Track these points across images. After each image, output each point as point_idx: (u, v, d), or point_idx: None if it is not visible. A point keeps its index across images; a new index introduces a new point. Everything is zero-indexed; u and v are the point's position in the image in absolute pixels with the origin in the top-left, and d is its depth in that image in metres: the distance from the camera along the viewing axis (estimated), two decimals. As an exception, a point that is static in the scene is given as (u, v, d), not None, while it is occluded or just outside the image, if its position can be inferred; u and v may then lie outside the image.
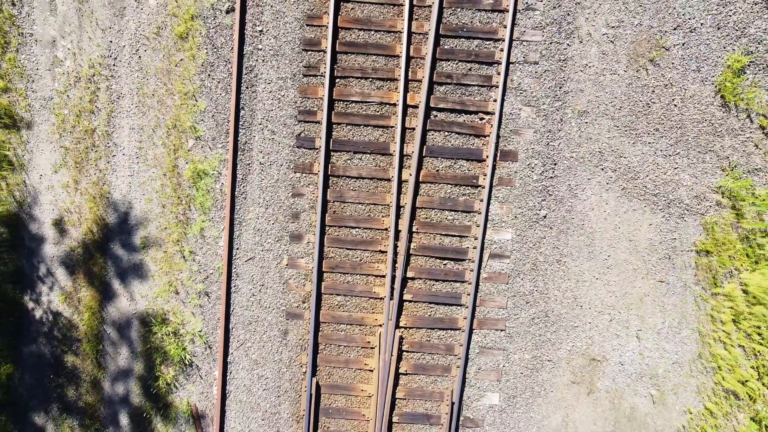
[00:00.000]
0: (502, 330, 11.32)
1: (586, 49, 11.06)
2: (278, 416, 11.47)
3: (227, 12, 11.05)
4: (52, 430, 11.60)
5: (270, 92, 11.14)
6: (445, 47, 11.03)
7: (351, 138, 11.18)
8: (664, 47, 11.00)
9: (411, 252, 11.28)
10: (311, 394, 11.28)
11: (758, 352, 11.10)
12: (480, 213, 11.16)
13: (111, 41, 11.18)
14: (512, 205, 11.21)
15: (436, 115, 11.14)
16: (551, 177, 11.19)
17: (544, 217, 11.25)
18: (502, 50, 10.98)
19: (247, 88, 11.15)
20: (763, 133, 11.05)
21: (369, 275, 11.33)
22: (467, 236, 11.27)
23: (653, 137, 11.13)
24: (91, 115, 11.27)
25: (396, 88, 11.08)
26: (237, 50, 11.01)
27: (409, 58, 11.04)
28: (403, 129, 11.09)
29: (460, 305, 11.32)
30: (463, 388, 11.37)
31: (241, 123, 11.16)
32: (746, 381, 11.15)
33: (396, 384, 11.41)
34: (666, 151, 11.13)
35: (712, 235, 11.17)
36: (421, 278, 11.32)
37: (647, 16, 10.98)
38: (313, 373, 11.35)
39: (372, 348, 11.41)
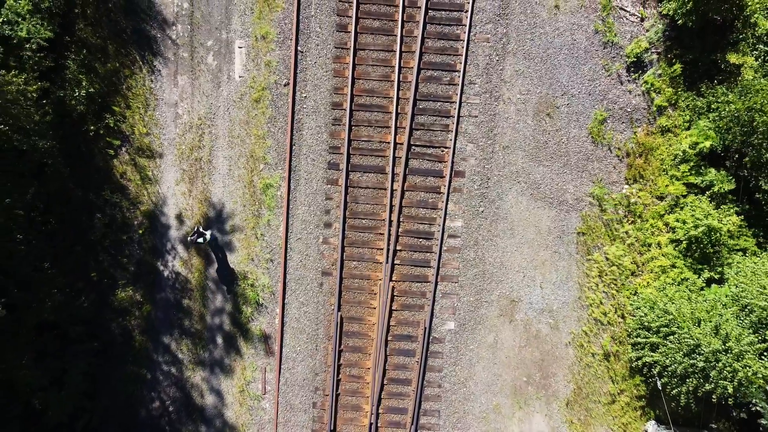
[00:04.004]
0: (456, 282, 18.15)
1: (507, 108, 17.79)
2: (317, 336, 18.35)
3: (284, 85, 17.79)
4: (174, 346, 18.49)
5: (311, 135, 17.90)
6: (420, 107, 17.78)
7: (362, 163, 17.96)
8: (556, 106, 17.73)
9: (399, 234, 18.08)
10: (337, 323, 18.13)
11: (614, 295, 17.94)
12: (442, 209, 17.94)
13: (212, 103, 17.94)
14: (462, 204, 17.99)
15: (415, 149, 17.91)
16: (486, 187, 17.97)
17: (482, 212, 18.03)
18: (455, 108, 17.69)
19: (296, 132, 17.91)
20: (618, 159, 17.80)
21: (373, 248, 18.13)
22: (434, 224, 18.06)
23: (550, 162, 17.88)
24: (199, 149, 18.05)
25: (389, 132, 17.83)
26: (291, 109, 17.75)
27: (397, 114, 17.76)
28: (394, 158, 17.86)
29: (430, 267, 18.14)
30: (432, 318, 18.21)
31: (293, 154, 17.93)
32: (607, 313, 17.98)
33: (390, 316, 18.24)
34: (558, 170, 17.88)
35: (586, 222, 17.94)
36: (405, 250, 18.13)
37: (545, 87, 17.70)
38: (339, 309, 18.20)
39: (375, 294, 18.24)
